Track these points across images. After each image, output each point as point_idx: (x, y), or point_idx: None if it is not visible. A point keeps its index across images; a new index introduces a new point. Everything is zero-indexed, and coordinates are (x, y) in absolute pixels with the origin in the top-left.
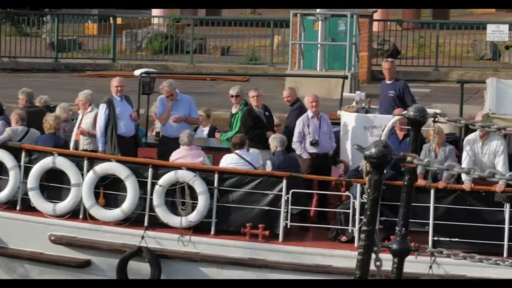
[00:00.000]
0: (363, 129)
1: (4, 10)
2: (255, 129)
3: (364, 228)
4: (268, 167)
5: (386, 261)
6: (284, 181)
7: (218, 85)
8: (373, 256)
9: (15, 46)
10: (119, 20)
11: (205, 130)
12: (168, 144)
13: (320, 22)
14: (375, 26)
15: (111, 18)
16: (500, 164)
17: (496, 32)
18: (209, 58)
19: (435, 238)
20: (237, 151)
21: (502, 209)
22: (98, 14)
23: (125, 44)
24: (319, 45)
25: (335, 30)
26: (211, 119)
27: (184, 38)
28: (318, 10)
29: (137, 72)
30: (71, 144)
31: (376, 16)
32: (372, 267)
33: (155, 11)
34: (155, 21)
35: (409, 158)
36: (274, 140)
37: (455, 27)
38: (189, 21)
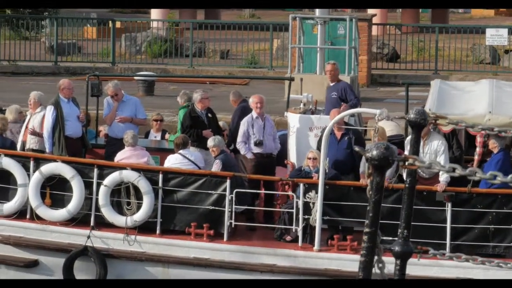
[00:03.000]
0: (308, 130)
1: (3, 14)
2: (191, 128)
3: (366, 230)
4: (217, 166)
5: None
6: (228, 181)
7: (217, 88)
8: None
9: (14, 49)
10: (118, 24)
11: (157, 136)
12: (114, 145)
13: (319, 26)
14: (375, 30)
15: (110, 22)
16: (442, 163)
17: (495, 36)
18: (209, 61)
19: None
20: (180, 151)
21: (444, 208)
22: (97, 18)
23: (124, 47)
24: (318, 49)
25: (335, 33)
26: (162, 124)
27: (183, 42)
28: (317, 14)
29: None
30: (19, 145)
31: (376, 20)
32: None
33: (154, 15)
34: (154, 24)
35: (410, 160)
36: (212, 141)
37: (454, 31)
38: (188, 25)
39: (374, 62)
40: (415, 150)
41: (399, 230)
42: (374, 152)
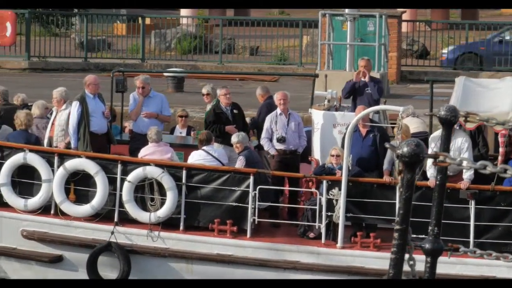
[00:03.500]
0: (332, 127)
1: (33, 10)
2: (214, 124)
3: (397, 227)
4: (241, 162)
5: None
6: (252, 177)
7: (247, 85)
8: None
9: (44, 46)
10: (147, 20)
11: (183, 132)
12: (139, 141)
13: (349, 22)
14: (404, 27)
15: (139, 18)
16: None
17: None
18: (238, 58)
19: None
20: (204, 147)
21: (467, 206)
22: (126, 14)
23: (154, 44)
24: (348, 46)
25: (364, 30)
26: (188, 120)
27: (213, 38)
28: (347, 11)
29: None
30: (45, 140)
31: (405, 16)
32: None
33: (184, 11)
34: (184, 21)
35: (441, 157)
36: (236, 137)
37: (484, 28)
38: (218, 21)
39: (404, 59)
40: (446, 147)
41: (430, 228)
42: (405, 149)
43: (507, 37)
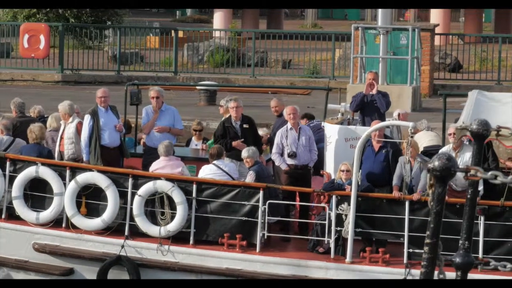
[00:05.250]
0: (344, 141)
1: (66, 23)
2: (222, 138)
3: (427, 241)
4: (251, 177)
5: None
6: (261, 192)
7: (279, 98)
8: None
9: (77, 59)
10: (180, 33)
11: (198, 144)
12: (152, 154)
13: (381, 35)
14: (437, 40)
15: (172, 31)
16: None
17: None
18: (270, 71)
19: (410, 250)
20: (215, 162)
21: (477, 221)
22: (159, 27)
23: (186, 57)
24: (380, 59)
25: (397, 43)
26: (203, 132)
27: (245, 51)
28: (379, 24)
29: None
30: (56, 154)
31: (438, 30)
32: None
33: (217, 24)
34: (216, 34)
35: (472, 171)
36: (246, 152)
37: None
38: (251, 34)
39: (437, 72)
40: (477, 161)
41: (460, 242)
42: (436, 163)
43: None
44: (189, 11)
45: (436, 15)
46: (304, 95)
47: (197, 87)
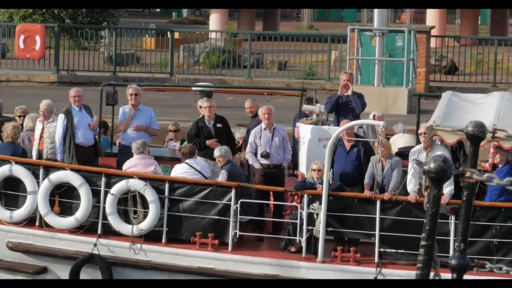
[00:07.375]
0: (318, 141)
1: (62, 23)
2: (195, 137)
3: (423, 243)
4: (223, 176)
5: None
6: (233, 191)
7: (274, 99)
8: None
9: (73, 59)
10: (176, 35)
11: (177, 145)
12: (126, 153)
13: (377, 37)
14: (433, 42)
15: (168, 33)
16: None
17: None
18: (266, 72)
19: (381, 250)
20: (187, 161)
21: (447, 221)
22: (155, 28)
23: (182, 58)
24: (376, 61)
25: (393, 45)
26: (181, 132)
27: (241, 53)
28: (375, 26)
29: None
30: (34, 153)
31: (434, 32)
32: None
33: (213, 26)
34: (212, 35)
35: (468, 173)
36: (218, 151)
37: None
38: (247, 36)
39: (432, 74)
40: (473, 163)
41: (456, 244)
42: (432, 165)
43: None
44: (185, 13)
45: (432, 17)
46: (299, 97)
47: (193, 88)
